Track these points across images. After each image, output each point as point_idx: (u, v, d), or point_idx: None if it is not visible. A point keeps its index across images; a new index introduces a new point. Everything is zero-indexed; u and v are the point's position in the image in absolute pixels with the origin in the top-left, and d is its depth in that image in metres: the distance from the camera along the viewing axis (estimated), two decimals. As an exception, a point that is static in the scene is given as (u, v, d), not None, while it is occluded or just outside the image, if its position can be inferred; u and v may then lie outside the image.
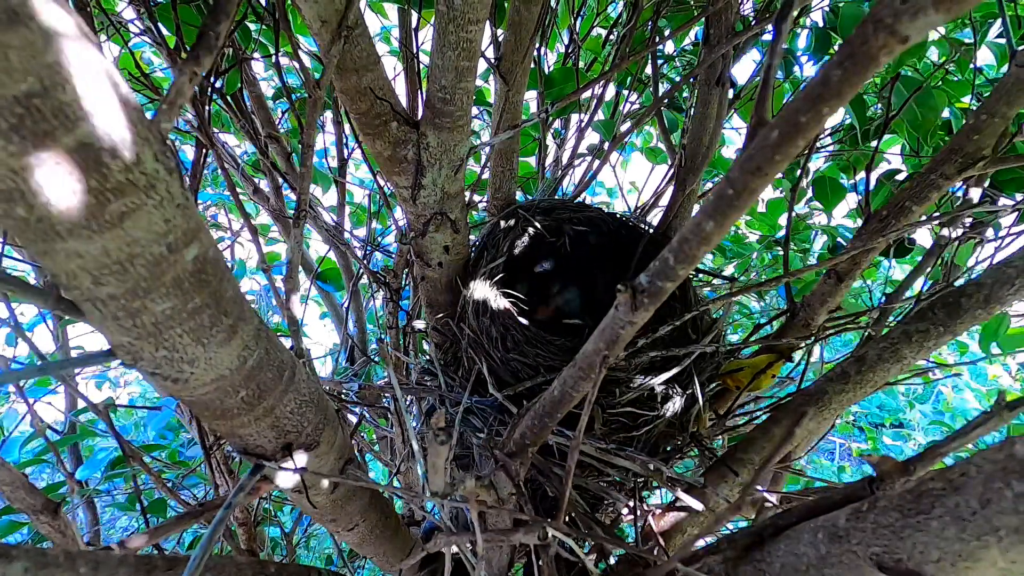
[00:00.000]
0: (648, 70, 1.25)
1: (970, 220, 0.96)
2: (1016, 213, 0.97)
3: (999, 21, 0.88)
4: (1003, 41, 0.98)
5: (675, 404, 0.79)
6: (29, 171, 0.26)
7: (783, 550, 0.43)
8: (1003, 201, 0.92)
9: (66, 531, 0.73)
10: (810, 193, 1.31)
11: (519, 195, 1.13)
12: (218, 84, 0.96)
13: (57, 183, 0.27)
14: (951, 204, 0.98)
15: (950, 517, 0.32)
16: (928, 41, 1.05)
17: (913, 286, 1.00)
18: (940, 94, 0.96)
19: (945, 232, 0.93)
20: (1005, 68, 0.98)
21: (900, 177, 1.10)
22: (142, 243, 0.31)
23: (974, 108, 0.99)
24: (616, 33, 1.27)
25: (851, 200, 1.31)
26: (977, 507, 0.31)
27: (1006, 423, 0.37)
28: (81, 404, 1.39)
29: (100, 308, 0.33)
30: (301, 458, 0.53)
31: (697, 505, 0.69)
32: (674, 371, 0.78)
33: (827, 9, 1.10)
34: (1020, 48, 0.71)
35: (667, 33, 1.13)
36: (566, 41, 1.23)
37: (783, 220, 1.77)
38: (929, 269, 0.98)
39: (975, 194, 0.86)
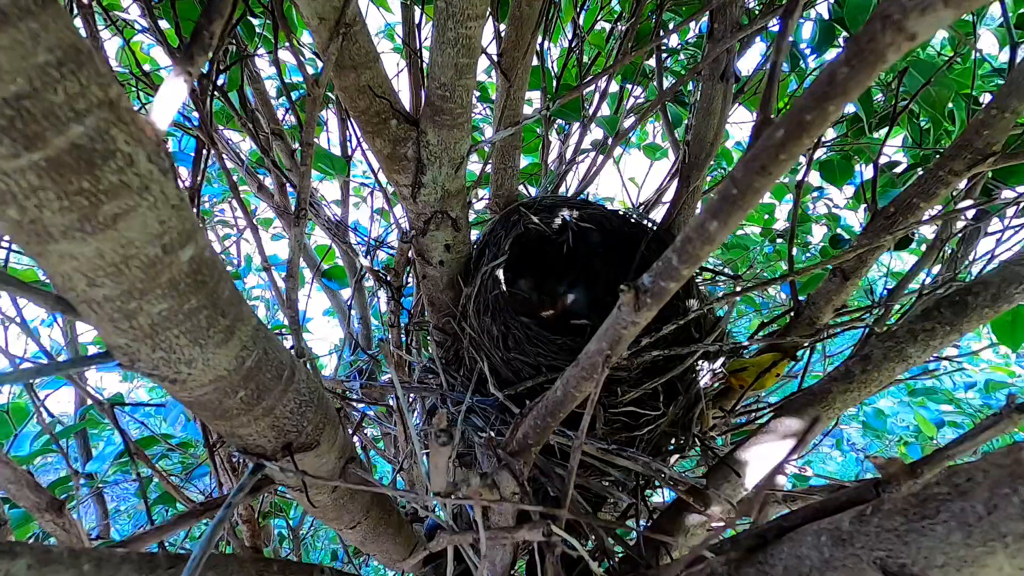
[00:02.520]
0: (651, 63, 1.24)
1: (973, 212, 0.95)
2: (1018, 205, 0.96)
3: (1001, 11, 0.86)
4: (1005, 28, 0.96)
5: (679, 402, 0.79)
6: (20, 173, 0.26)
7: (786, 552, 0.43)
8: (1006, 193, 0.91)
9: (70, 529, 0.74)
10: (817, 176, 1.30)
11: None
12: (220, 81, 0.96)
13: (49, 185, 0.27)
14: (952, 199, 0.96)
15: (956, 522, 0.32)
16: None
17: (916, 279, 0.99)
18: (947, 81, 0.95)
19: (949, 224, 0.92)
20: (1006, 53, 0.97)
21: (899, 169, 1.09)
22: (137, 244, 0.31)
23: (976, 95, 0.97)
24: (620, 27, 1.25)
25: (847, 190, 1.30)
26: (983, 512, 0.30)
27: (1015, 426, 0.36)
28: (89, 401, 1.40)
29: (96, 310, 0.33)
30: (301, 458, 0.53)
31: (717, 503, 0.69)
32: (676, 371, 0.78)
33: (832, 2, 1.08)
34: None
35: (671, 27, 1.12)
36: (569, 35, 1.22)
37: (780, 212, 1.76)
38: (930, 264, 0.97)
39: (978, 187, 0.85)
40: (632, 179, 1.61)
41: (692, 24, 1.25)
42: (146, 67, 1.05)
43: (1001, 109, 0.69)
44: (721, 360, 0.85)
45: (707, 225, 0.31)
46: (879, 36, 0.21)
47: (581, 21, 1.19)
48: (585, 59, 1.26)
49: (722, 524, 0.67)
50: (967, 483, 0.31)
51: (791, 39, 1.08)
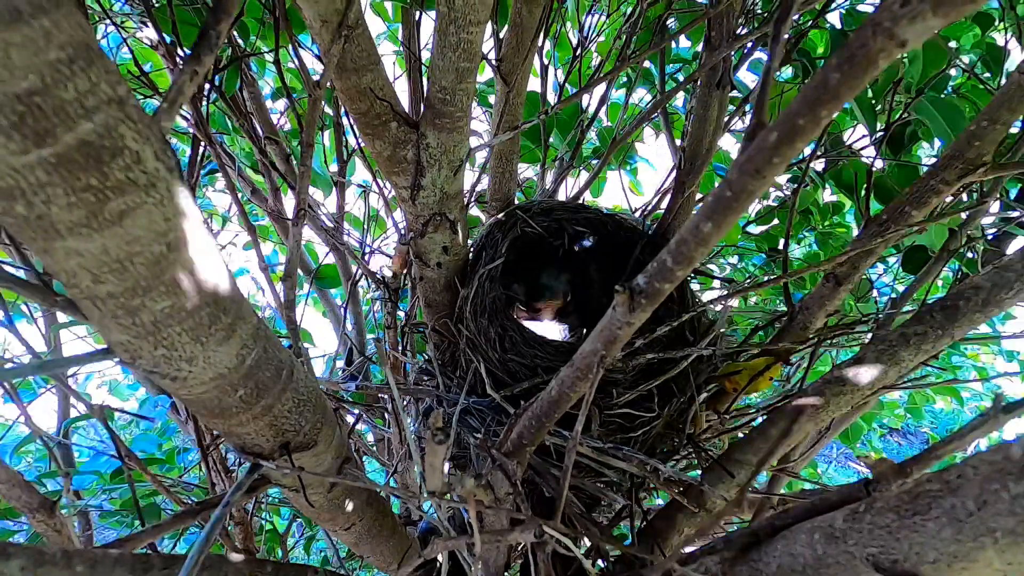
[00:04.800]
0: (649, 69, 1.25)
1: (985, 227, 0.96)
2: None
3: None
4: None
5: (672, 405, 0.80)
6: (29, 169, 0.26)
7: (780, 551, 0.43)
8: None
9: (62, 530, 0.73)
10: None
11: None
12: (216, 82, 0.96)
13: (57, 181, 0.27)
14: (971, 202, 0.97)
15: (947, 518, 0.32)
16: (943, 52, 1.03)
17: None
18: (966, 103, 0.95)
19: (957, 236, 0.93)
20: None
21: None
22: (142, 241, 0.31)
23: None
24: (624, 33, 1.26)
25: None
26: (974, 508, 0.31)
27: (1002, 425, 0.37)
28: (74, 411, 1.39)
29: (99, 306, 0.33)
30: (298, 457, 0.53)
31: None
32: (671, 374, 0.78)
33: (843, 11, 1.09)
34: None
35: (672, 33, 1.13)
36: (574, 43, 1.23)
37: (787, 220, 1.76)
38: (934, 277, 0.98)
39: (993, 205, 0.86)
40: (633, 184, 1.62)
41: (700, 30, 1.26)
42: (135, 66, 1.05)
43: (992, 121, 0.70)
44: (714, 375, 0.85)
45: (701, 227, 0.31)
46: (870, 42, 0.22)
47: (587, 25, 1.19)
48: (590, 66, 1.27)
49: (715, 520, 0.68)
50: (958, 480, 0.32)
51: (799, 47, 1.09)
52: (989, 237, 0.98)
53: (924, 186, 0.76)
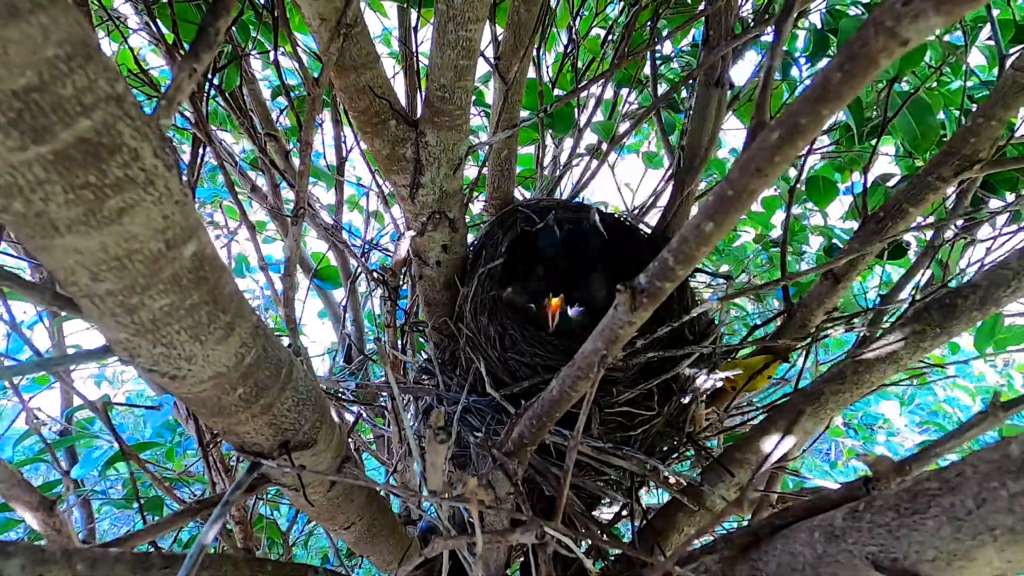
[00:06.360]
0: (646, 71, 1.25)
1: (963, 221, 0.97)
2: (1008, 214, 0.97)
3: (989, 24, 0.88)
4: (994, 43, 0.98)
5: (672, 404, 0.80)
6: (27, 166, 0.26)
7: (779, 549, 0.43)
8: (995, 203, 0.93)
9: (62, 529, 0.73)
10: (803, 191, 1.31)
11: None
12: (216, 81, 0.96)
13: (55, 178, 0.27)
14: (944, 208, 0.98)
15: (946, 517, 0.32)
16: (925, 45, 1.05)
17: (907, 287, 1.01)
18: (935, 98, 0.96)
19: (941, 232, 0.93)
20: (996, 71, 0.99)
21: (894, 181, 1.11)
22: (140, 239, 0.31)
23: (969, 110, 0.99)
24: (615, 33, 1.27)
25: (845, 201, 1.32)
26: (973, 507, 0.31)
27: (1000, 424, 0.37)
28: (76, 403, 1.38)
29: (98, 304, 0.33)
30: (298, 456, 0.53)
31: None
32: (670, 373, 0.78)
33: (825, 11, 1.10)
34: (1014, 51, 0.71)
35: (665, 34, 1.14)
36: (565, 41, 1.24)
37: (777, 219, 1.78)
38: (923, 271, 0.98)
39: (968, 195, 0.87)
40: (628, 184, 1.62)
41: (686, 31, 1.26)
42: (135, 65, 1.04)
43: (987, 117, 0.70)
44: (715, 371, 0.86)
45: (703, 226, 0.31)
46: (872, 41, 0.21)
47: (577, 26, 1.20)
48: (580, 64, 1.27)
49: (715, 519, 0.68)
50: (957, 478, 0.32)
51: (784, 49, 1.09)
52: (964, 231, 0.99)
53: (921, 183, 0.76)
